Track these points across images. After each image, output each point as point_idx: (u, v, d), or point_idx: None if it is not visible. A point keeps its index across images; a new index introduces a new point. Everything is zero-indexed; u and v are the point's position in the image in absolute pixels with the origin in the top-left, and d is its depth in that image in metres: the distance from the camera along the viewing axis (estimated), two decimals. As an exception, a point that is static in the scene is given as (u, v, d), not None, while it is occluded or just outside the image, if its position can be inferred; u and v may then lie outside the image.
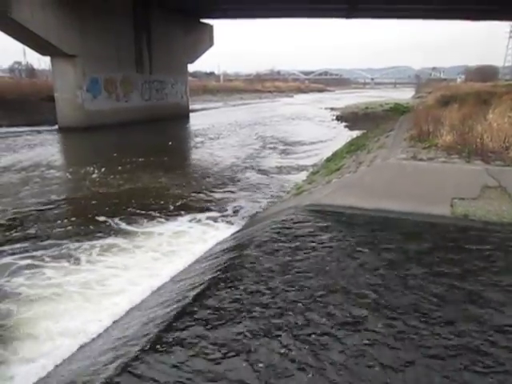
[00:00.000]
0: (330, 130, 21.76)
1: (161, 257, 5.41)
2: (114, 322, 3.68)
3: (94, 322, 3.70)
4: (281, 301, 3.12)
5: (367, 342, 2.62)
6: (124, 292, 4.34)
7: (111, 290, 4.42)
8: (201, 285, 3.49)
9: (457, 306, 3.02)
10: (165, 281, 4.55)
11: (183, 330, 2.76)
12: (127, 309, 3.91)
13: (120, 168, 11.66)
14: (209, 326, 2.78)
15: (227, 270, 3.73)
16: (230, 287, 3.38)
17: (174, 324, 2.82)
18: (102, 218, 7.20)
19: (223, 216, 7.44)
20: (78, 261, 5.30)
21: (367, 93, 76.45)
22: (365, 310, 2.94)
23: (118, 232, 6.46)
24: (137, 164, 12.34)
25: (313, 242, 4.25)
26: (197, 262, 4.93)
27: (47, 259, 5.35)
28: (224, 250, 4.77)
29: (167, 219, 7.16)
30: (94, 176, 10.78)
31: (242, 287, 3.38)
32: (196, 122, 26.41)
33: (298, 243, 4.24)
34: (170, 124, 23.44)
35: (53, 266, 5.12)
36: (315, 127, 23.21)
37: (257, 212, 7.63)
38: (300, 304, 3.05)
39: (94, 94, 21.26)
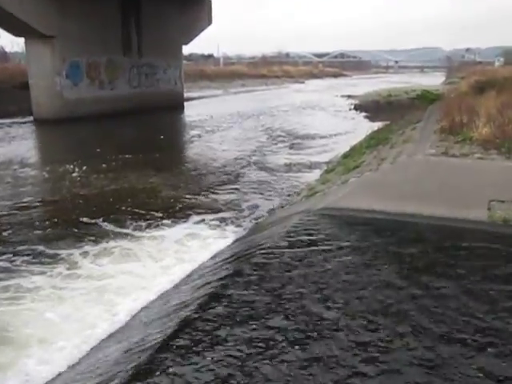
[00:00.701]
0: (347, 121, 21.72)
1: (137, 280, 5.19)
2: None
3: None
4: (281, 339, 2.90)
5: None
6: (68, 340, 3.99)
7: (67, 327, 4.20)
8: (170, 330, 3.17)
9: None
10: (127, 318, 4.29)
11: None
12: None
13: (104, 166, 11.70)
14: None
15: (211, 301, 3.43)
16: (208, 331, 3.04)
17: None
18: (81, 226, 7.23)
19: (223, 222, 7.45)
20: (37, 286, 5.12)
21: (390, 78, 76.28)
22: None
23: (94, 246, 6.34)
24: (124, 161, 12.38)
25: (327, 253, 4.20)
26: (179, 285, 4.78)
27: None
28: (219, 264, 4.73)
29: (157, 228, 7.18)
30: (75, 175, 10.82)
31: (228, 325, 3.10)
32: (192, 112, 26.44)
33: (309, 255, 4.19)
34: (162, 114, 23.52)
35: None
36: (330, 118, 23.17)
37: (262, 217, 7.64)
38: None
39: (74, 80, 21.37)
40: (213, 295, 3.56)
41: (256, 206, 8.44)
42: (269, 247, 4.48)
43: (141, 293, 4.79)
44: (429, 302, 3.33)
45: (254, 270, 3.95)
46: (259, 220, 7.41)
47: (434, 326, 3.03)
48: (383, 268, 3.90)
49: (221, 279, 3.95)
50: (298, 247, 4.43)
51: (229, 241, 6.29)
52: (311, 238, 4.65)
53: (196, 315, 3.26)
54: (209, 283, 3.98)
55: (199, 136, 17.47)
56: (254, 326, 3.07)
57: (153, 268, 5.59)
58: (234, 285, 3.71)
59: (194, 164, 12.76)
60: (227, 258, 4.85)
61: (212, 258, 5.51)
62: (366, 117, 22.54)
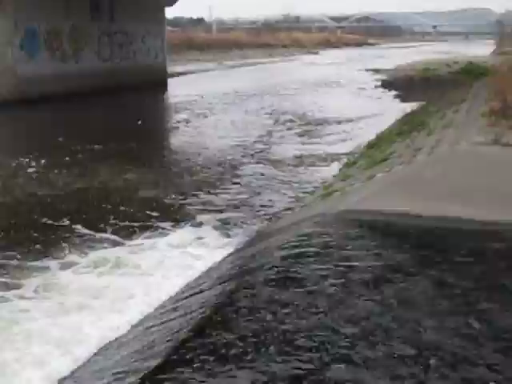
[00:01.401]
0: (373, 101, 21.68)
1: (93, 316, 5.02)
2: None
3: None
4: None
5: None
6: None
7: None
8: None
9: None
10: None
11: None
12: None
13: (68, 159, 11.69)
14: None
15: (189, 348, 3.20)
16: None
17: None
18: (35, 236, 7.17)
19: (216, 230, 7.44)
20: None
21: (427, 47, 76.30)
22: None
23: (48, 265, 6.25)
24: (92, 153, 12.35)
25: (350, 272, 4.08)
26: (149, 319, 4.69)
27: None
28: (206, 288, 4.64)
29: (132, 238, 7.16)
30: (30, 171, 10.81)
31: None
32: (177, 91, 26.43)
33: (327, 276, 4.03)
34: (140, 94, 23.52)
35: None
36: (351, 98, 23.13)
37: (266, 223, 7.62)
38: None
39: (30, 51, 21.38)
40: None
41: (258, 210, 8.41)
42: (269, 267, 4.30)
43: (79, 347, 4.49)
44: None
45: (242, 312, 3.58)
46: (262, 227, 7.39)
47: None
48: (430, 301, 3.61)
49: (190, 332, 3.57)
50: (312, 264, 4.34)
51: (220, 255, 6.25)
52: (327, 250, 4.59)
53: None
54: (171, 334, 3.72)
55: (187, 121, 17.46)
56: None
57: (107, 303, 5.35)
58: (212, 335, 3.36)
59: (179, 156, 12.74)
60: (212, 285, 4.75)
61: (195, 280, 5.47)
62: (396, 96, 22.51)
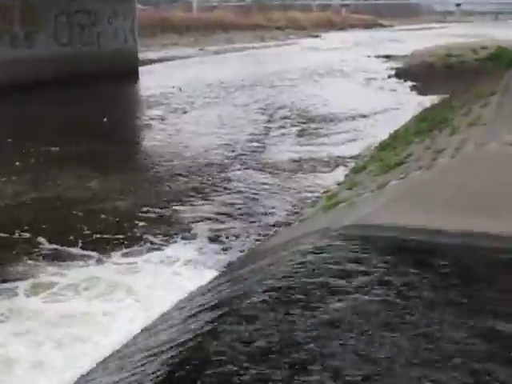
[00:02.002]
0: (385, 94, 21.78)
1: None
2: None
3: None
4: None
5: None
6: None
7: None
8: None
9: None
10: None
11: None
12: None
13: (19, 164, 11.67)
14: None
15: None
16: None
17: None
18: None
19: (194, 251, 7.47)
20: None
21: (450, 29, 76.62)
22: None
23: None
24: (48, 156, 12.34)
25: (359, 306, 4.06)
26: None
27: None
28: (168, 337, 4.55)
29: (93, 260, 7.17)
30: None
31: None
32: (151, 81, 26.40)
33: (333, 310, 4.00)
34: (106, 86, 23.46)
35: None
36: (359, 90, 23.21)
37: (256, 241, 7.65)
38: None
39: (-28, 34, 21.30)
40: None
41: (248, 225, 8.43)
42: (255, 301, 4.25)
43: None
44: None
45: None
46: (252, 247, 7.41)
47: None
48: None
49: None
50: (312, 292, 4.31)
51: (201, 281, 6.26)
52: (331, 275, 4.57)
53: None
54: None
55: (162, 118, 17.48)
56: None
57: (54, 349, 5.40)
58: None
59: (153, 160, 12.72)
60: (177, 330, 4.65)
61: (162, 316, 5.47)
62: (412, 88, 22.62)
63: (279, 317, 3.93)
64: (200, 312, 4.74)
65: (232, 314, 4.12)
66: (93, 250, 7.48)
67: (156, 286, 6.53)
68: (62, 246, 7.58)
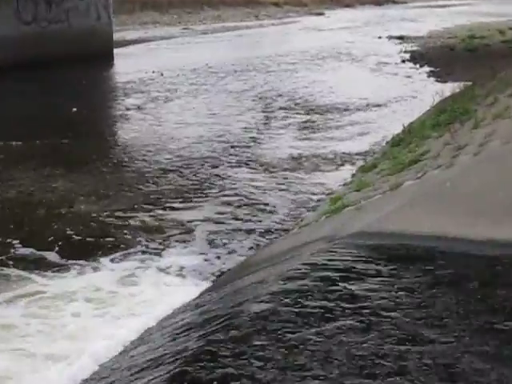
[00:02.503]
0: (399, 80, 21.79)
1: None
2: None
3: None
4: None
5: None
6: None
7: None
8: None
9: None
10: None
11: None
12: None
13: (-28, 160, 11.69)
14: None
15: None
16: None
17: None
18: None
19: (180, 261, 7.47)
20: None
21: (472, 7, 76.83)
22: None
23: None
24: (8, 152, 12.34)
25: (374, 330, 4.01)
26: None
27: None
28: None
29: (57, 275, 7.15)
30: None
31: None
32: (128, 65, 26.37)
33: (339, 334, 3.98)
34: (76, 70, 23.44)
35: None
36: (369, 76, 23.21)
37: (250, 250, 7.66)
38: None
39: None
40: None
41: (240, 230, 8.43)
42: (249, 325, 4.23)
43: None
44: None
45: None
46: (245, 258, 7.41)
47: None
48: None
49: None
50: (313, 314, 4.29)
51: (185, 297, 6.29)
52: (336, 302, 4.46)
53: None
54: None
55: (139, 107, 17.48)
56: None
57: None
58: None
59: (131, 156, 12.69)
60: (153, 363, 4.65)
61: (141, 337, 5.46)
62: (430, 74, 22.63)
63: (266, 354, 3.83)
64: (179, 335, 4.74)
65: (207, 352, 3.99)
66: (60, 259, 7.50)
67: (132, 302, 6.51)
68: (21, 254, 7.56)
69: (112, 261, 7.49)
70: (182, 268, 7.29)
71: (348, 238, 5.61)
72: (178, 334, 4.83)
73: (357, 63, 26.86)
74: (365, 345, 3.80)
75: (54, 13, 26.61)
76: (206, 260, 7.54)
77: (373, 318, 4.09)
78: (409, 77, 22.68)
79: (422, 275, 4.80)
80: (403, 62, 26.59)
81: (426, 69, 23.80)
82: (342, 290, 4.57)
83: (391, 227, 5.64)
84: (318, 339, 3.90)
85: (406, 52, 29.07)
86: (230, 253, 7.75)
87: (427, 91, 17.51)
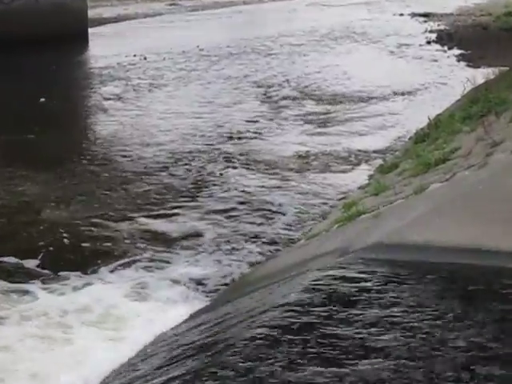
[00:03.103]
0: (423, 65, 21.80)
1: None
2: None
3: None
4: None
5: None
6: None
7: None
8: None
9: None
10: None
11: None
12: None
13: None
14: None
15: None
16: None
17: None
18: None
19: (165, 278, 7.55)
20: None
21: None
22: None
23: None
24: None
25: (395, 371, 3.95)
26: None
27: None
28: None
29: (24, 294, 7.21)
30: None
31: None
32: (105, 48, 26.35)
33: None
34: (45, 53, 23.45)
35: None
36: (388, 60, 23.21)
37: (249, 265, 7.72)
38: None
39: None
40: None
41: (238, 242, 8.47)
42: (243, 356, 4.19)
43: None
44: None
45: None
46: (243, 273, 7.49)
47: None
48: None
49: None
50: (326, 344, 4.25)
51: (172, 320, 6.37)
52: (352, 319, 4.51)
53: None
54: None
55: (119, 97, 17.52)
56: None
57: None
58: None
59: (107, 154, 12.72)
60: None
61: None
62: (460, 57, 22.62)
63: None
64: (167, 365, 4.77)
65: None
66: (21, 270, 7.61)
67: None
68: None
69: (79, 277, 7.57)
70: (169, 284, 7.37)
71: (363, 251, 5.64)
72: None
73: (374, 45, 26.82)
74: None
75: (17, -14, 26.69)
76: (199, 273, 7.63)
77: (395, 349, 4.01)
78: (435, 61, 22.66)
79: (455, 297, 4.76)
80: (428, 43, 26.55)
81: (455, 51, 23.78)
82: (356, 316, 4.50)
83: (415, 238, 5.65)
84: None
85: (431, 32, 29.03)
86: (228, 266, 7.84)
87: (456, 78, 17.57)
